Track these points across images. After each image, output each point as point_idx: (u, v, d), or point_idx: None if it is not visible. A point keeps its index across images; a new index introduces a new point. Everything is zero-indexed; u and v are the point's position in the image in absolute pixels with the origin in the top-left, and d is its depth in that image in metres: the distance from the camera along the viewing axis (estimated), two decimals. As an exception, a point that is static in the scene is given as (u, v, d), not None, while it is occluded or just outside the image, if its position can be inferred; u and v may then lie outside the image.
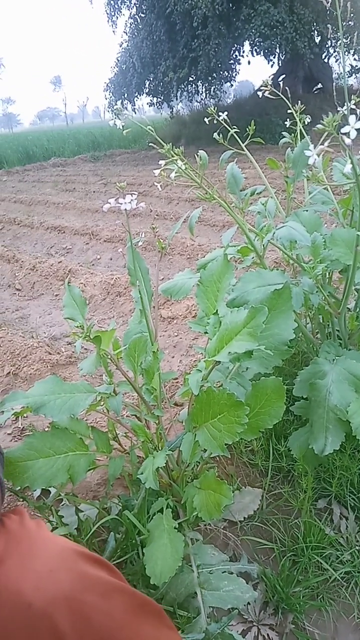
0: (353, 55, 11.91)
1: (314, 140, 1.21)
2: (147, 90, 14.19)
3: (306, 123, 1.61)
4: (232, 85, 15.21)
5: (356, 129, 0.89)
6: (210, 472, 1.17)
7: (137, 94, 14.36)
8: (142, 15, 13.65)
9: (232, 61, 13.91)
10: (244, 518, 1.35)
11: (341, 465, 1.38)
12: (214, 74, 12.76)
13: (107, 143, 16.01)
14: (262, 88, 1.52)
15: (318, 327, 1.66)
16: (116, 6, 14.15)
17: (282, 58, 13.70)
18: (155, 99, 14.52)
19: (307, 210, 1.46)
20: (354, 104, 1.08)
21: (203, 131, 11.40)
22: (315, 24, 11.19)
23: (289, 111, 1.59)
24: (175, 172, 1.17)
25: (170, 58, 12.68)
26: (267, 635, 1.10)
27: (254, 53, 12.88)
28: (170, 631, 0.78)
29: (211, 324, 1.11)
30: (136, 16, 14.05)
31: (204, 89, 14.06)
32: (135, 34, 13.87)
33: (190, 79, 13.36)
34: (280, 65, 14.02)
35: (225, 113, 1.44)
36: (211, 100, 14.00)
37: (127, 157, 13.21)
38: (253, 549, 1.29)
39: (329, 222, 2.93)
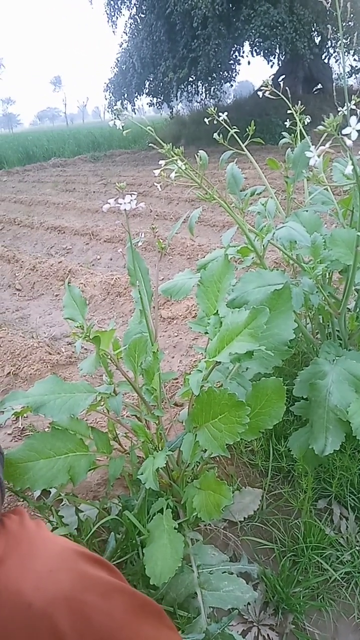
0: (353, 55, 11.91)
1: (314, 141, 1.21)
2: (147, 90, 14.19)
3: (306, 123, 1.61)
4: (232, 85, 15.23)
5: (357, 130, 0.89)
6: (210, 472, 1.17)
7: (137, 94, 14.37)
8: (142, 15, 13.66)
9: (232, 61, 13.92)
10: (244, 518, 1.35)
11: (341, 465, 1.38)
12: (214, 74, 12.77)
13: (107, 143, 16.02)
14: (262, 88, 1.52)
15: (318, 328, 1.66)
16: (116, 6, 14.15)
17: (282, 58, 13.72)
18: (155, 99, 14.52)
19: (307, 211, 1.46)
20: (354, 105, 1.08)
21: (203, 131, 11.40)
22: (315, 24, 11.20)
23: (289, 111, 1.59)
24: (175, 172, 1.17)
25: (170, 58, 12.69)
26: (267, 635, 1.10)
27: (254, 53, 12.90)
28: (171, 631, 0.78)
29: (211, 325, 1.11)
30: (136, 16, 14.05)
31: (203, 89, 14.07)
32: (135, 34, 13.87)
33: (190, 79, 13.37)
34: (280, 65, 14.03)
35: (225, 113, 1.44)
36: (211, 100, 14.01)
37: (127, 157, 13.21)
38: (253, 549, 1.29)
39: (328, 223, 2.93)
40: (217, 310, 1.17)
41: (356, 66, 12.42)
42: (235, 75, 14.40)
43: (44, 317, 3.19)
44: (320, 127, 0.98)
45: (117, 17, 14.40)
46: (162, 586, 1.07)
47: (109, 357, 1.17)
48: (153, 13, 12.70)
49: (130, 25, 14.27)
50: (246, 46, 13.28)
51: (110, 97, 14.37)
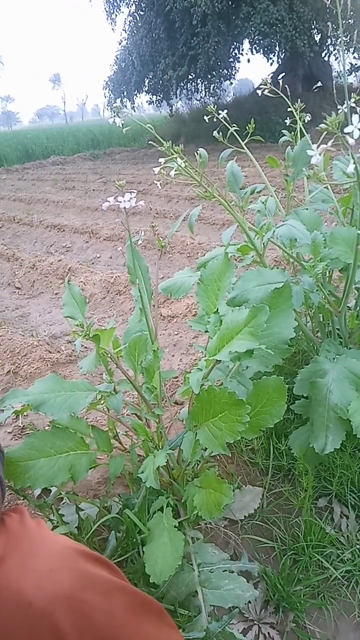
0: (353, 53, 11.90)
1: (314, 139, 1.21)
2: (147, 88, 14.17)
3: (306, 121, 1.61)
4: (231, 83, 15.23)
5: (359, 129, 0.88)
6: (211, 470, 1.17)
7: (136, 92, 14.35)
8: (142, 13, 13.62)
9: (231, 59, 13.91)
10: (245, 517, 1.35)
11: (342, 464, 1.38)
12: (214, 72, 12.75)
13: (107, 141, 16.00)
14: (261, 86, 1.51)
15: (318, 326, 1.66)
16: (115, 4, 14.11)
17: (282, 56, 13.69)
18: (154, 97, 14.51)
19: (307, 209, 1.46)
20: (354, 102, 1.08)
21: (202, 129, 11.38)
22: (314, 22, 11.18)
23: (288, 109, 1.59)
24: (175, 170, 1.17)
25: (169, 56, 12.67)
26: (268, 633, 1.10)
27: (254, 51, 12.88)
28: (171, 630, 0.78)
29: (212, 323, 1.11)
30: (135, 14, 14.02)
31: (203, 87, 14.04)
32: (135, 32, 13.84)
33: (190, 77, 13.34)
34: (279, 63, 14.01)
35: (225, 111, 1.44)
36: (211, 98, 14.00)
37: (126, 155, 13.20)
38: (254, 548, 1.29)
39: (329, 221, 2.93)
40: (217, 309, 1.17)
41: (356, 64, 12.41)
42: (235, 73, 14.41)
43: (43, 316, 3.19)
44: (322, 125, 0.97)
45: (116, 15, 14.37)
46: (163, 584, 1.07)
47: (109, 355, 1.17)
48: (152, 10, 12.66)
49: (130, 22, 14.24)
50: (246, 44, 13.28)
51: (110, 95, 14.36)
